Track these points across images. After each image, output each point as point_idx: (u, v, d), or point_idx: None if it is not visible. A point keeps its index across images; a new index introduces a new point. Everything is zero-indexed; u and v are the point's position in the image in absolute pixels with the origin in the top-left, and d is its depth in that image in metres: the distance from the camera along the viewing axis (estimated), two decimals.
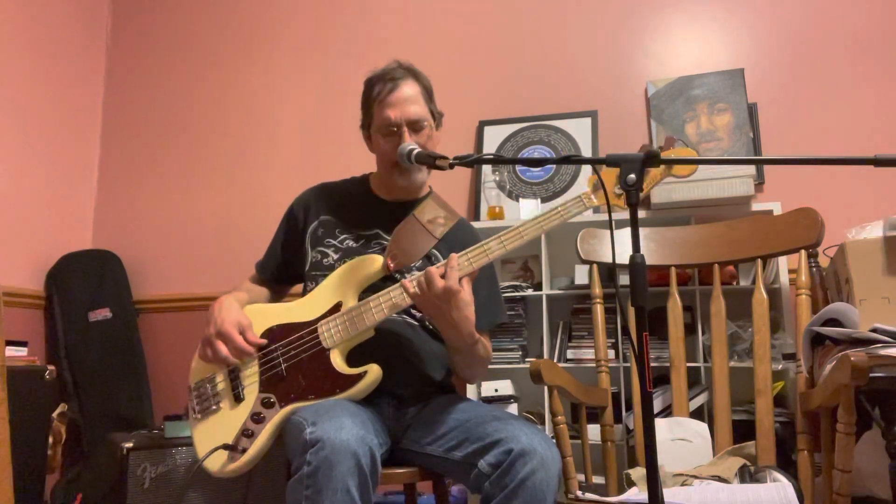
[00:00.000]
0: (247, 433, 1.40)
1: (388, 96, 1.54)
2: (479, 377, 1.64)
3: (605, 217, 2.37)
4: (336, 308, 1.46)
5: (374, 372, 1.38)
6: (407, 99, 1.54)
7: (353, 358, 1.43)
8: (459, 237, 1.57)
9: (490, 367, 2.43)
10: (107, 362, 2.87)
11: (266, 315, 1.52)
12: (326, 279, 1.51)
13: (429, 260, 1.54)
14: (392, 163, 1.56)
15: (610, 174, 1.36)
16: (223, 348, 1.44)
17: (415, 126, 1.54)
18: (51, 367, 2.37)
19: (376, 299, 1.42)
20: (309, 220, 1.65)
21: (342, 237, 1.60)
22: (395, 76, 1.56)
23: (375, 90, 1.56)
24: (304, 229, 1.65)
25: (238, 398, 1.46)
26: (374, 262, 1.49)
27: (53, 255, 2.98)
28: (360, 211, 1.64)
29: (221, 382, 1.49)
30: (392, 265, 1.48)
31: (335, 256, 1.57)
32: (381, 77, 1.57)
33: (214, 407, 1.48)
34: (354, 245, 1.58)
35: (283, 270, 1.71)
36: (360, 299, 1.47)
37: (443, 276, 1.32)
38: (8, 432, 1.75)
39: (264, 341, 1.47)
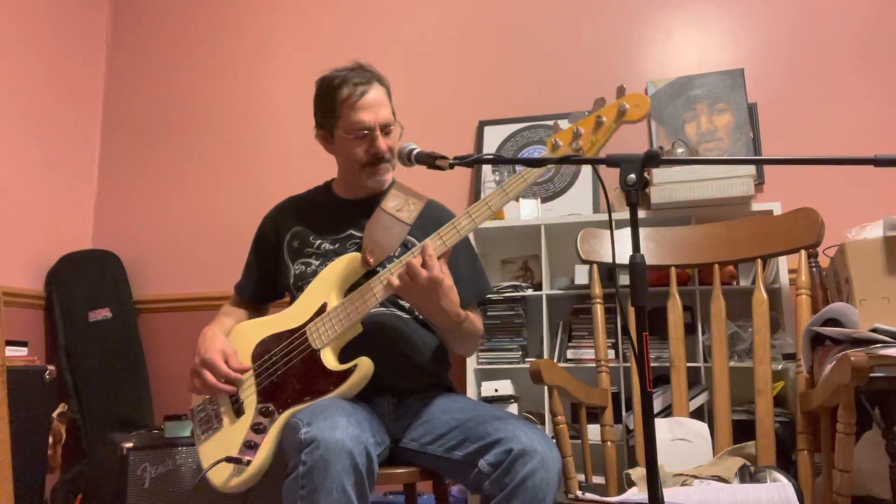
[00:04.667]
0: (249, 444, 1.40)
1: (361, 100, 1.56)
2: (472, 351, 1.68)
3: (605, 217, 2.37)
4: (322, 309, 1.47)
5: (364, 364, 1.38)
6: (379, 103, 1.57)
7: (348, 357, 1.43)
8: (431, 218, 1.58)
9: (490, 367, 2.45)
10: (107, 362, 2.87)
11: (255, 330, 1.54)
12: (309, 285, 1.52)
13: (406, 247, 1.55)
14: (362, 164, 1.59)
15: (567, 132, 1.36)
16: (210, 378, 1.46)
17: (386, 129, 1.58)
18: (51, 367, 2.37)
19: (359, 294, 1.43)
20: (281, 236, 1.67)
21: (318, 243, 1.61)
22: (365, 79, 1.58)
23: (344, 93, 1.57)
24: (279, 245, 1.66)
25: (238, 412, 1.46)
26: (354, 260, 1.50)
27: (53, 255, 2.98)
28: (329, 216, 1.65)
29: (221, 400, 1.50)
30: (371, 260, 1.49)
31: (316, 263, 1.58)
32: (347, 79, 1.58)
33: (217, 425, 1.48)
34: (332, 248, 1.60)
35: (263, 289, 1.73)
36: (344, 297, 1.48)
37: (423, 266, 1.33)
38: (8, 432, 1.76)
39: (249, 366, 1.49)
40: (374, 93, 1.57)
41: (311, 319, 1.46)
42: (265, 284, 1.72)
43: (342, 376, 1.39)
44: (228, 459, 1.40)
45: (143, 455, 2.16)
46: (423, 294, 1.36)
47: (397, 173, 1.67)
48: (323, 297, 1.48)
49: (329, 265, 1.52)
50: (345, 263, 1.50)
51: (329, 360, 1.42)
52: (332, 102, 1.59)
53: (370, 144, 1.57)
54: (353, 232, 1.60)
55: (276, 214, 1.73)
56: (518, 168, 1.42)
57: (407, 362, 1.53)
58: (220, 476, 1.42)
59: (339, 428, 1.19)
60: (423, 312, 1.47)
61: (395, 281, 1.37)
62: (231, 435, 1.45)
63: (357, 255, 1.51)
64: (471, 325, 1.52)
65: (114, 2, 3.47)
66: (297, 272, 1.60)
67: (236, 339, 1.55)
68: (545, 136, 2.76)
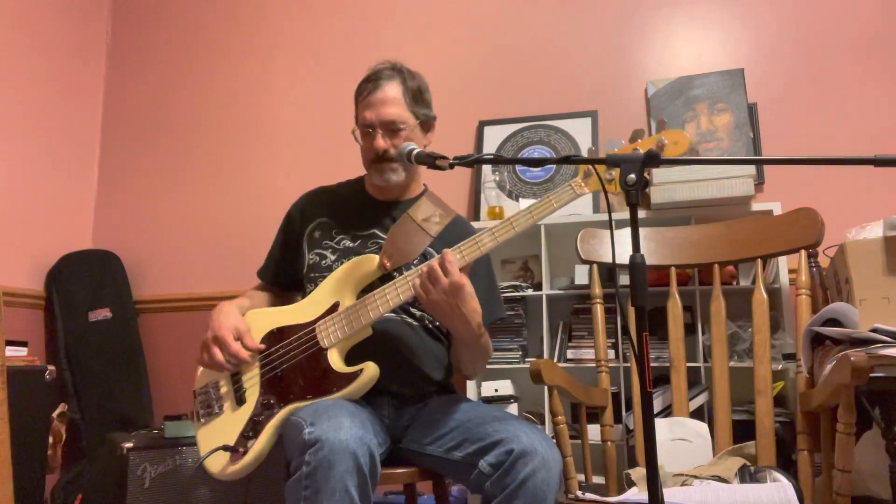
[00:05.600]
0: (247, 435, 1.40)
1: (368, 97, 1.57)
2: (480, 372, 1.66)
3: (605, 217, 2.37)
4: (334, 308, 1.46)
5: (370, 369, 1.38)
6: (384, 100, 1.56)
7: (354, 359, 1.43)
8: (455, 234, 1.57)
9: (490, 367, 2.45)
10: (107, 362, 2.87)
11: (266, 319, 1.53)
12: (324, 281, 1.52)
13: (425, 258, 1.54)
14: (368, 161, 1.60)
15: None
16: (219, 354, 1.45)
17: (389, 127, 1.55)
18: (51, 367, 2.38)
19: (372, 298, 1.42)
20: (306, 224, 1.66)
21: (339, 238, 1.61)
22: (380, 77, 1.58)
23: (359, 90, 1.60)
24: (301, 232, 1.66)
25: (240, 401, 1.46)
26: (371, 262, 1.49)
27: (53, 255, 2.98)
28: (356, 212, 1.65)
29: (224, 386, 1.50)
30: (388, 264, 1.49)
31: (333, 258, 1.58)
32: (367, 77, 1.60)
33: (217, 410, 1.48)
34: (352, 245, 1.59)
35: (283, 274, 1.71)
36: (357, 299, 1.47)
37: (445, 273, 1.33)
38: (8, 432, 1.76)
39: (262, 346, 1.48)
40: (384, 91, 1.56)
41: (322, 317, 1.46)
42: (283, 269, 1.71)
43: (347, 379, 1.39)
44: (225, 448, 1.40)
45: (143, 455, 2.16)
46: (444, 300, 1.34)
47: (427, 180, 1.65)
48: (336, 296, 1.48)
49: (345, 264, 1.51)
50: (362, 264, 1.50)
51: (335, 360, 1.42)
52: (355, 99, 1.63)
53: (372, 142, 1.57)
54: (377, 232, 1.60)
55: (305, 201, 1.72)
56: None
57: (411, 370, 1.52)
58: (217, 464, 1.42)
59: (343, 429, 1.19)
60: (445, 320, 1.42)
61: (417, 281, 1.36)
62: (230, 422, 1.45)
63: (375, 256, 1.50)
64: (486, 342, 1.52)
65: (114, 2, 3.47)
66: (310, 262, 1.60)
67: (248, 324, 1.54)
68: (545, 136, 2.76)
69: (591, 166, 1.37)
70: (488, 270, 1.66)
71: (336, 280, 1.50)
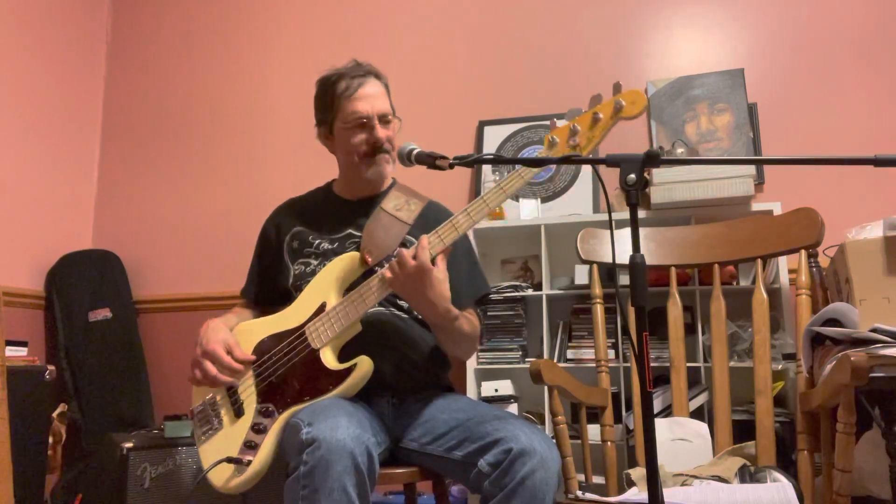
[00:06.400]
0: (249, 445, 1.40)
1: (357, 91, 1.59)
2: (469, 353, 1.66)
3: (605, 217, 2.37)
4: (321, 309, 1.47)
5: (364, 363, 1.39)
6: (376, 94, 1.60)
7: (348, 357, 1.43)
8: (432, 218, 1.57)
9: (490, 367, 2.45)
10: (107, 362, 2.87)
11: (255, 330, 1.54)
12: (308, 285, 1.52)
13: (405, 247, 1.55)
14: (361, 154, 1.60)
15: (564, 129, 1.36)
16: (212, 368, 1.45)
17: (384, 119, 1.60)
18: (51, 367, 2.37)
19: (357, 293, 1.43)
20: (282, 236, 1.67)
21: (317, 243, 1.62)
22: (361, 72, 1.61)
23: (341, 86, 1.60)
24: (280, 246, 1.67)
25: (238, 412, 1.46)
26: (352, 260, 1.51)
27: (53, 255, 2.98)
28: (329, 216, 1.66)
29: (221, 400, 1.50)
30: (370, 259, 1.50)
31: (315, 262, 1.59)
32: (344, 74, 1.61)
33: (217, 425, 1.48)
34: (331, 247, 1.60)
35: (266, 290, 1.71)
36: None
37: (414, 258, 1.34)
38: (8, 432, 1.75)
39: (252, 357, 1.48)
40: (371, 86, 1.60)
41: (311, 319, 1.47)
42: (267, 286, 1.71)
43: (342, 375, 1.39)
44: (229, 460, 1.40)
45: (143, 455, 2.16)
46: (410, 284, 1.36)
47: (397, 174, 1.67)
48: (322, 297, 1.48)
49: (328, 265, 1.52)
50: (343, 263, 1.51)
51: (328, 359, 1.42)
52: (330, 97, 1.62)
53: (368, 134, 1.58)
54: (353, 231, 1.61)
55: (276, 216, 1.74)
56: (517, 166, 1.42)
57: (406, 361, 1.53)
58: (221, 476, 1.41)
59: (341, 428, 1.19)
60: (412, 304, 1.46)
61: (387, 273, 1.38)
62: (231, 435, 1.45)
63: (356, 254, 1.51)
64: (466, 325, 1.51)
65: (114, 2, 3.48)
66: (296, 272, 1.61)
67: (237, 338, 1.55)
68: (545, 136, 2.76)
69: (553, 136, 1.38)
70: (468, 249, 1.68)
71: (320, 282, 1.51)
